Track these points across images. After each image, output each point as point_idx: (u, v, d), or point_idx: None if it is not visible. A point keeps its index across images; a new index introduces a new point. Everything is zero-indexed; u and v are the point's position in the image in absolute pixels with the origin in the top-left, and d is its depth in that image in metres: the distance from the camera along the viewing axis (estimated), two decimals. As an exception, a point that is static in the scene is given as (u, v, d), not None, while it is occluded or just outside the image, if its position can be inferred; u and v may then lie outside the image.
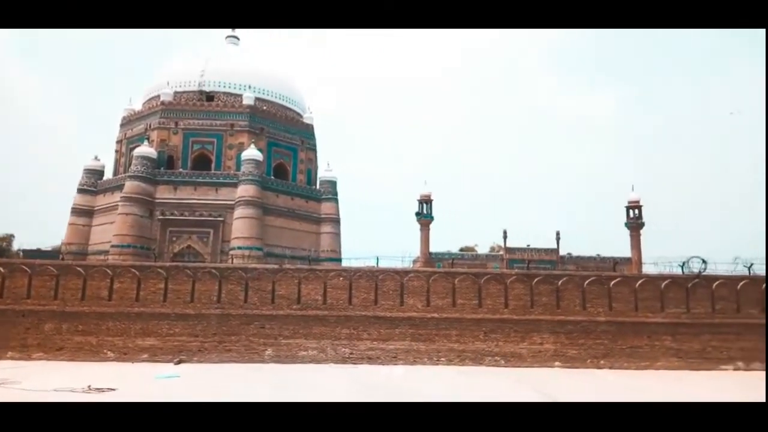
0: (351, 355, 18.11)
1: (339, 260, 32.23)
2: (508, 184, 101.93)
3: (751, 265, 19.62)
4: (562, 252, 49.61)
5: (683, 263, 19.47)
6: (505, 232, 49.26)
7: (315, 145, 38.97)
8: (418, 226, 39.20)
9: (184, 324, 18.03)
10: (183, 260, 26.56)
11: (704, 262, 19.27)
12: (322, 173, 38.68)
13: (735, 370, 17.94)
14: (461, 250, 54.61)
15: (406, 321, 18.38)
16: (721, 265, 19.81)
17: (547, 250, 48.13)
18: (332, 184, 38.09)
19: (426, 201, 39.00)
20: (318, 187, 37.80)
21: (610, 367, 17.70)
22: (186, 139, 33.65)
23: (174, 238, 30.44)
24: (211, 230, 30.97)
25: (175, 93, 34.09)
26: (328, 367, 17.08)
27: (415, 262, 34.84)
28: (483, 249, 59.44)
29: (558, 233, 48.12)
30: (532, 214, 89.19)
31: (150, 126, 33.60)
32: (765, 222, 34.04)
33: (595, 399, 12.23)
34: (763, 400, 12.49)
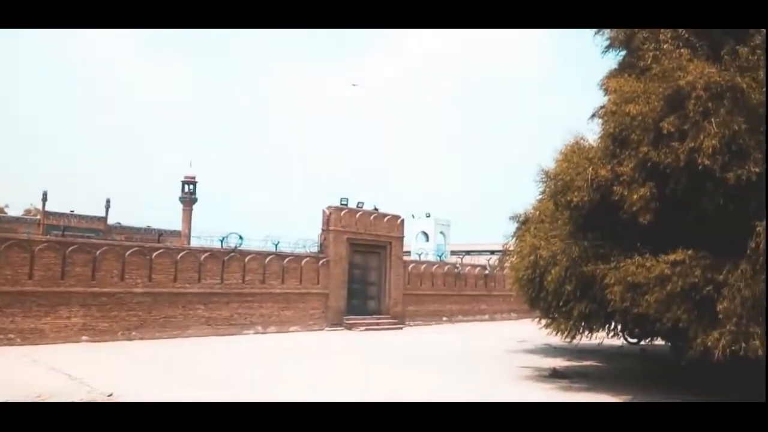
0: None
1: None
2: (57, 141, 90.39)
3: (278, 242, 22.81)
4: (112, 221, 47.06)
5: (223, 238, 21.08)
6: (45, 194, 43.51)
7: None
8: None
9: None
10: None
11: (241, 237, 21.36)
12: None
13: (255, 333, 20.44)
14: (-16, 210, 45.43)
15: None
16: (254, 242, 22.38)
17: (94, 218, 44.80)
18: None
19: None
20: None
21: (142, 338, 17.63)
22: None
23: None
24: None
25: None
26: None
27: None
28: (16, 211, 51.00)
29: (108, 201, 45.49)
30: (83, 179, 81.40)
31: None
32: None
33: (111, 370, 11.94)
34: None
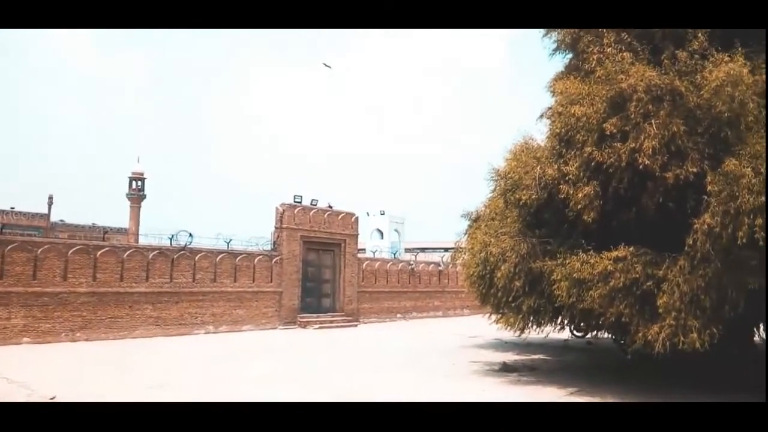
0: None
1: None
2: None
3: (230, 240, 22.43)
4: (55, 218, 45.20)
5: (172, 236, 20.57)
6: (-18, 191, 41.31)
7: None
8: None
9: None
10: None
11: (191, 235, 20.89)
12: None
13: (206, 333, 20.02)
14: None
15: None
16: (206, 240, 21.95)
17: (36, 215, 42.93)
18: None
19: None
20: None
21: (87, 339, 17.04)
22: None
23: None
24: None
25: None
26: None
27: None
28: (-51, 208, 48.26)
29: (51, 198, 43.64)
30: (27, 175, 77.90)
31: None
32: None
33: (54, 373, 11.50)
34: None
